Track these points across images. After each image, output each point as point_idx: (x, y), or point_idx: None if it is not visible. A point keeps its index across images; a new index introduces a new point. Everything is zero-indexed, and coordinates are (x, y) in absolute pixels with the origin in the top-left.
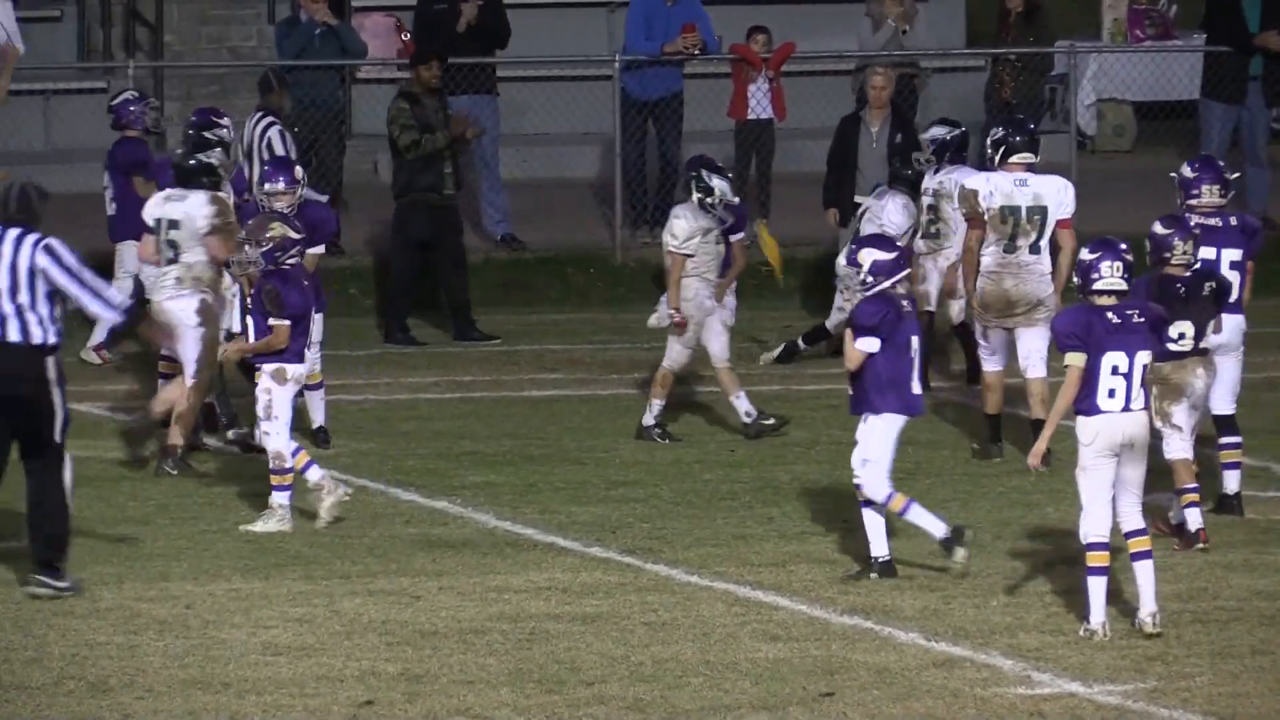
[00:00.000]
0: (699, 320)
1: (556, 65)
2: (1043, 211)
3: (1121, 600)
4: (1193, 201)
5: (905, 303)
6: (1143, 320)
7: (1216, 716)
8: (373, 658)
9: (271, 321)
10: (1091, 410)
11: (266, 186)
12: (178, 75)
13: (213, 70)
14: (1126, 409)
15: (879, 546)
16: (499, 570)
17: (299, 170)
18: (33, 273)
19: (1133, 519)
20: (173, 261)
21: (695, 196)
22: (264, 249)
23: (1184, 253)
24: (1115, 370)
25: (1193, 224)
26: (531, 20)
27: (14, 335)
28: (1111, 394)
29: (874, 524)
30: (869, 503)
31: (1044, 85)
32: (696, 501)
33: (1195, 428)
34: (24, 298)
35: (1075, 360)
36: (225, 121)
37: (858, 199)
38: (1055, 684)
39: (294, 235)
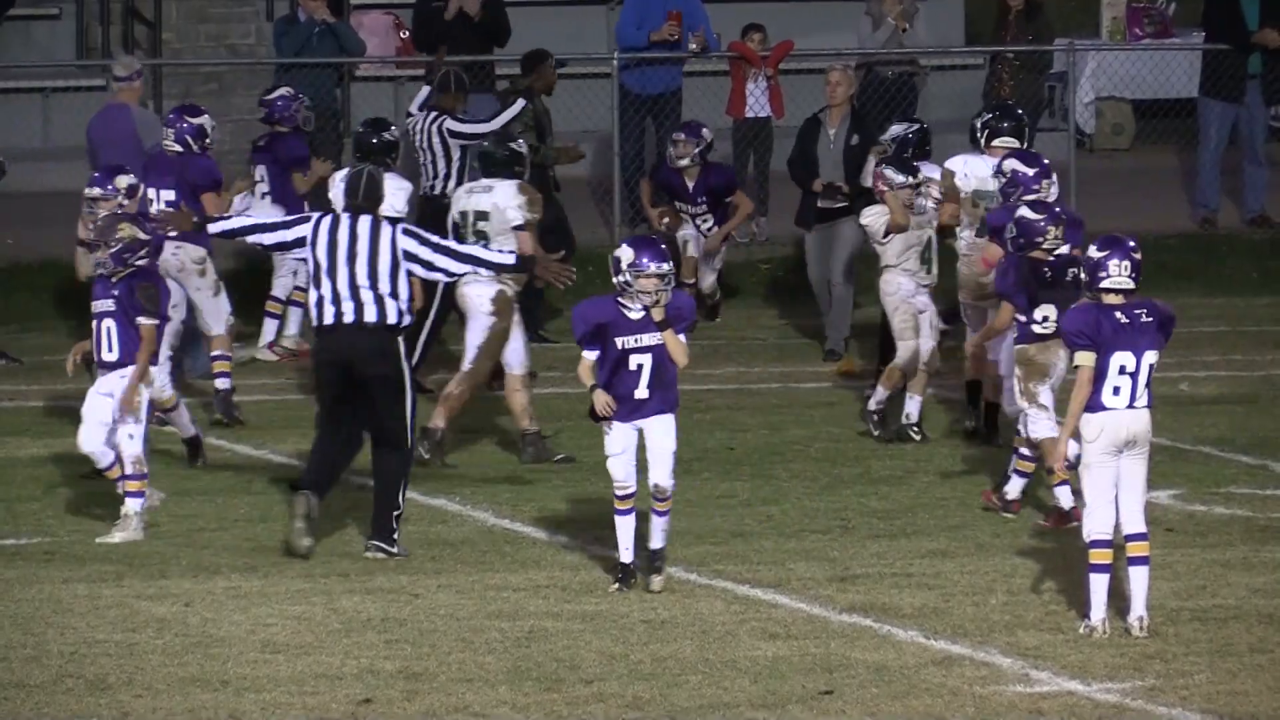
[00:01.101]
0: (914, 314)
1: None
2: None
3: (1121, 598)
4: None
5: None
6: (1151, 319)
7: (1215, 714)
8: (372, 655)
9: (141, 320)
10: (1096, 407)
11: (94, 191)
12: (176, 73)
13: (211, 68)
14: (1131, 406)
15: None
16: (498, 568)
17: (126, 179)
18: (396, 257)
19: (1135, 522)
20: None
21: None
22: (112, 250)
23: (1054, 238)
24: (1123, 369)
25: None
26: (530, 18)
27: (371, 316)
28: (1116, 391)
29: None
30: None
31: (1043, 83)
32: (695, 500)
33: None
34: (384, 283)
35: (1086, 360)
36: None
37: (822, 204)
38: (1054, 682)
39: (142, 236)
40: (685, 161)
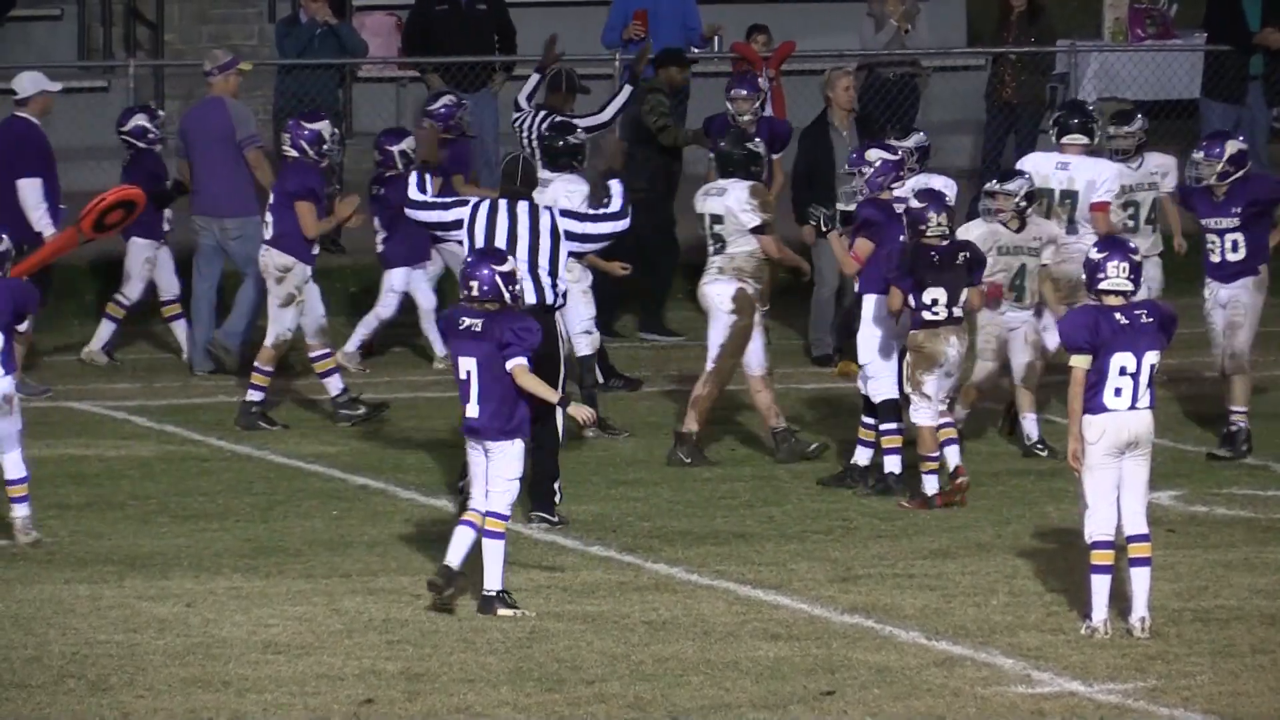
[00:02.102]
0: (998, 335)
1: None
2: (1074, 196)
3: (1123, 599)
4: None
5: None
6: (1152, 320)
7: (1217, 715)
8: (373, 656)
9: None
10: (1098, 409)
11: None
12: (178, 74)
13: None
14: (1132, 408)
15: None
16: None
17: None
18: (556, 239)
19: (1137, 523)
20: (718, 253)
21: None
22: None
23: (939, 224)
24: (1123, 370)
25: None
26: (531, 18)
27: (530, 298)
28: (1118, 393)
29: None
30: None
31: (1045, 84)
32: (697, 500)
33: (949, 393)
34: (544, 265)
35: (1079, 362)
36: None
37: (842, 208)
38: (1055, 683)
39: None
40: (748, 118)
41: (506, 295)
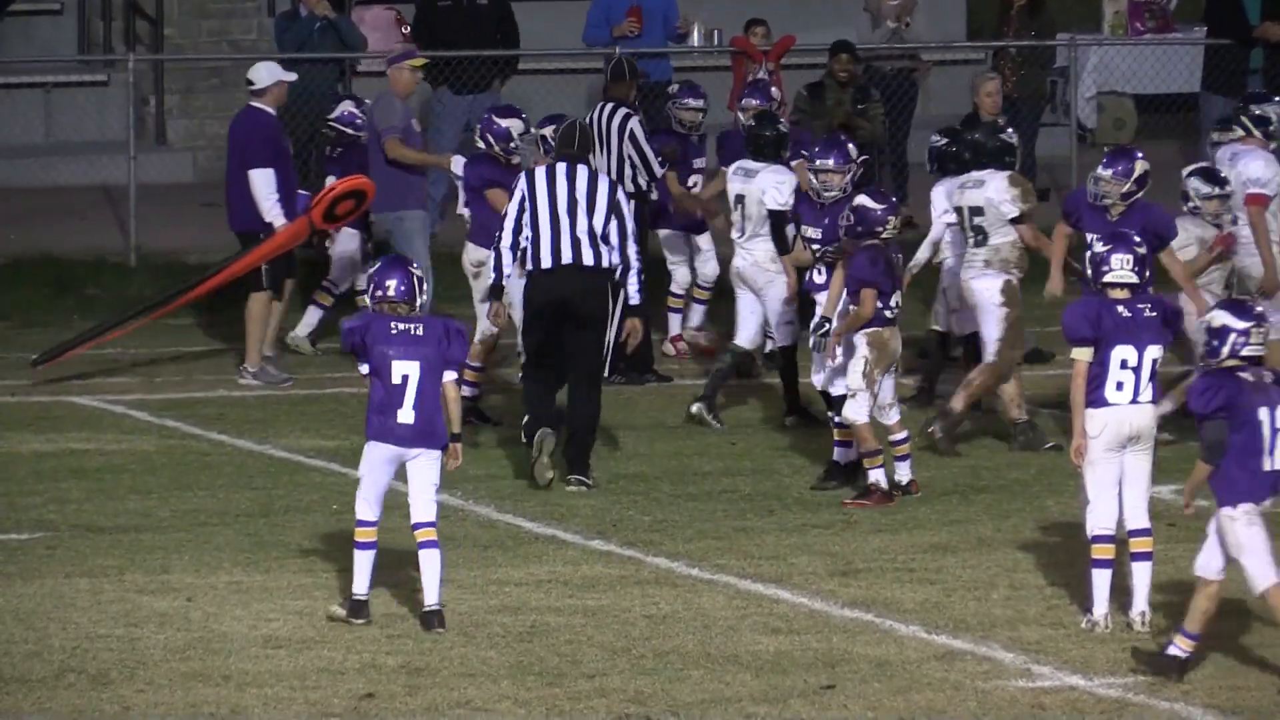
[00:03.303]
0: None
1: (554, 59)
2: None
3: (1123, 593)
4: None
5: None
6: (1155, 314)
7: (1216, 709)
8: (373, 650)
9: None
10: (1099, 402)
11: None
12: (177, 69)
13: (213, 64)
14: (1134, 402)
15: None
16: (500, 563)
17: None
18: (613, 205)
19: (1138, 517)
20: (980, 245)
21: None
22: None
23: (894, 227)
24: (1125, 364)
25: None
26: (529, 15)
27: (588, 259)
28: (1120, 387)
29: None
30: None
31: (1045, 78)
32: (697, 494)
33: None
34: (599, 228)
35: (1081, 355)
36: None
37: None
38: (1056, 677)
39: None
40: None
41: (418, 299)
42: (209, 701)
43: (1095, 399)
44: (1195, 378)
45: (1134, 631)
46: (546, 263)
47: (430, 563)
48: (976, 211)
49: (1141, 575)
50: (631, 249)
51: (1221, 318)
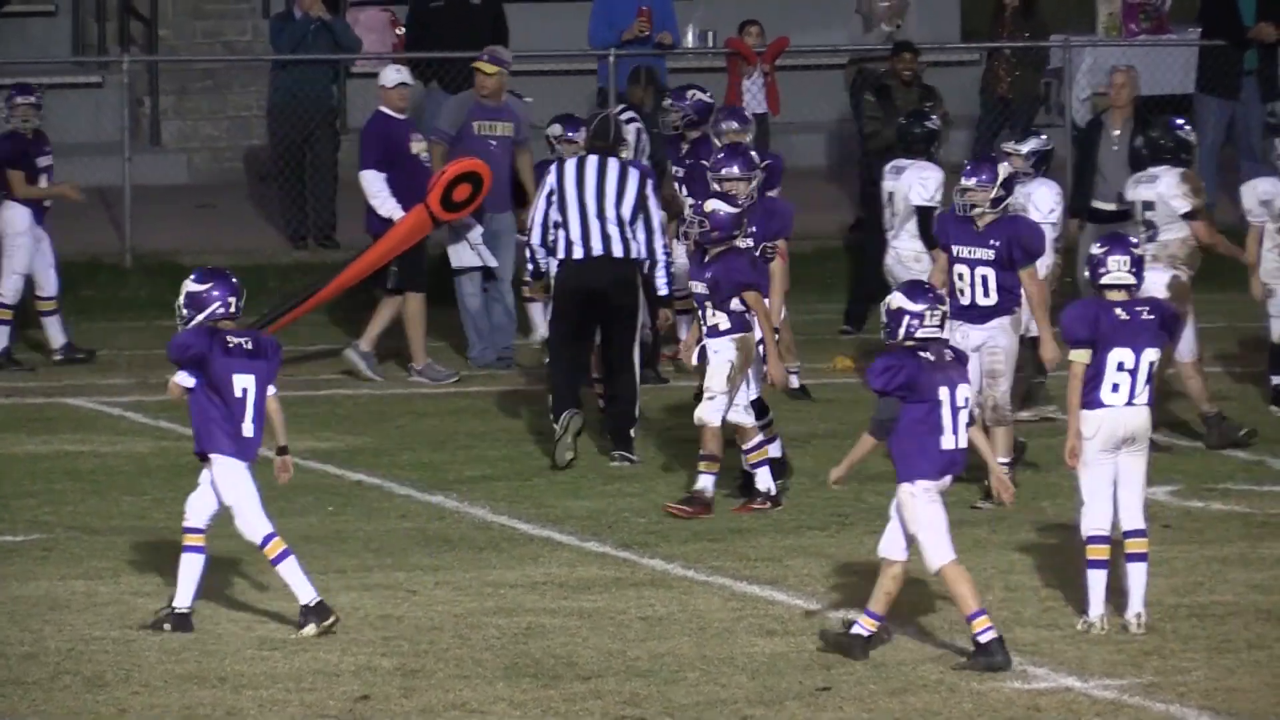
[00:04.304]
0: None
1: (548, 60)
2: None
3: (1119, 595)
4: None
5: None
6: (1153, 317)
7: (1212, 711)
8: (369, 652)
9: None
10: (1094, 404)
11: None
12: (172, 70)
13: (207, 65)
14: (1130, 404)
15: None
16: (495, 565)
17: None
18: (641, 197)
19: (1134, 518)
20: (1150, 240)
21: None
22: None
23: (745, 231)
24: (1121, 366)
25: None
26: (520, 15)
27: (618, 250)
28: (1115, 389)
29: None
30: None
31: (1039, 79)
32: None
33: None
34: (626, 216)
35: (1078, 356)
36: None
37: (1097, 204)
38: (1051, 678)
39: None
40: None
41: (239, 311)
42: (204, 703)
43: (1091, 400)
44: (876, 358)
45: (1130, 633)
46: (578, 254)
47: (291, 568)
48: (1148, 206)
49: (1137, 576)
50: (659, 242)
51: (898, 300)
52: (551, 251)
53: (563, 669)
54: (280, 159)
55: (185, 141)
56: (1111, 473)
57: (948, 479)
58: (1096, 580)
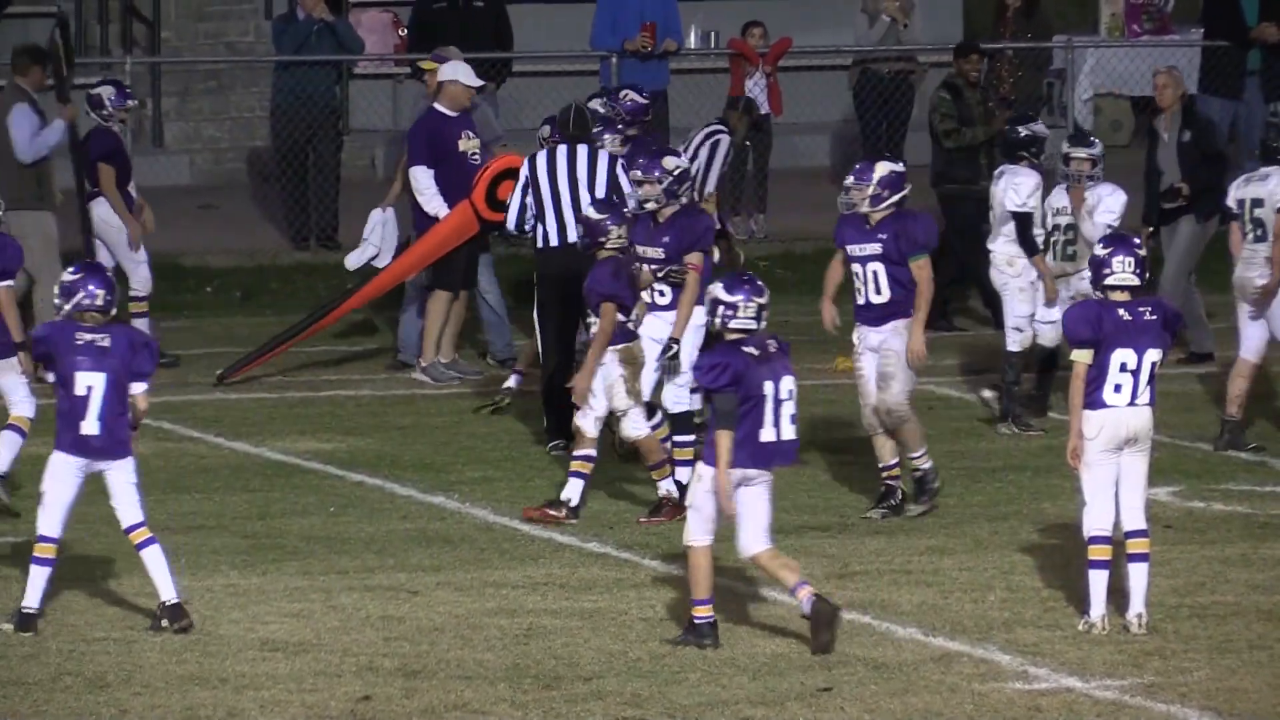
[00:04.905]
0: None
1: (550, 60)
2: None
3: (1120, 595)
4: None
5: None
6: (1155, 318)
7: (1214, 711)
8: (370, 653)
9: None
10: (1097, 404)
11: None
12: (174, 71)
13: (210, 66)
14: (1132, 404)
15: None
16: (496, 565)
17: None
18: (612, 183)
19: (1135, 519)
20: (1259, 240)
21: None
22: None
23: (618, 237)
24: (1124, 367)
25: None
26: (523, 17)
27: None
28: (1118, 389)
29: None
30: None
31: (1042, 80)
32: None
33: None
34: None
35: (1081, 356)
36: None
37: (1165, 205)
38: (1052, 679)
39: None
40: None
41: (114, 307)
42: (205, 704)
43: (1093, 401)
44: (703, 353)
45: (1131, 633)
46: (554, 241)
47: (155, 560)
48: (1257, 204)
49: (1138, 577)
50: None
51: (715, 291)
52: (531, 242)
53: (564, 670)
54: (283, 160)
55: (188, 143)
56: (1114, 473)
57: (768, 470)
58: (1098, 581)
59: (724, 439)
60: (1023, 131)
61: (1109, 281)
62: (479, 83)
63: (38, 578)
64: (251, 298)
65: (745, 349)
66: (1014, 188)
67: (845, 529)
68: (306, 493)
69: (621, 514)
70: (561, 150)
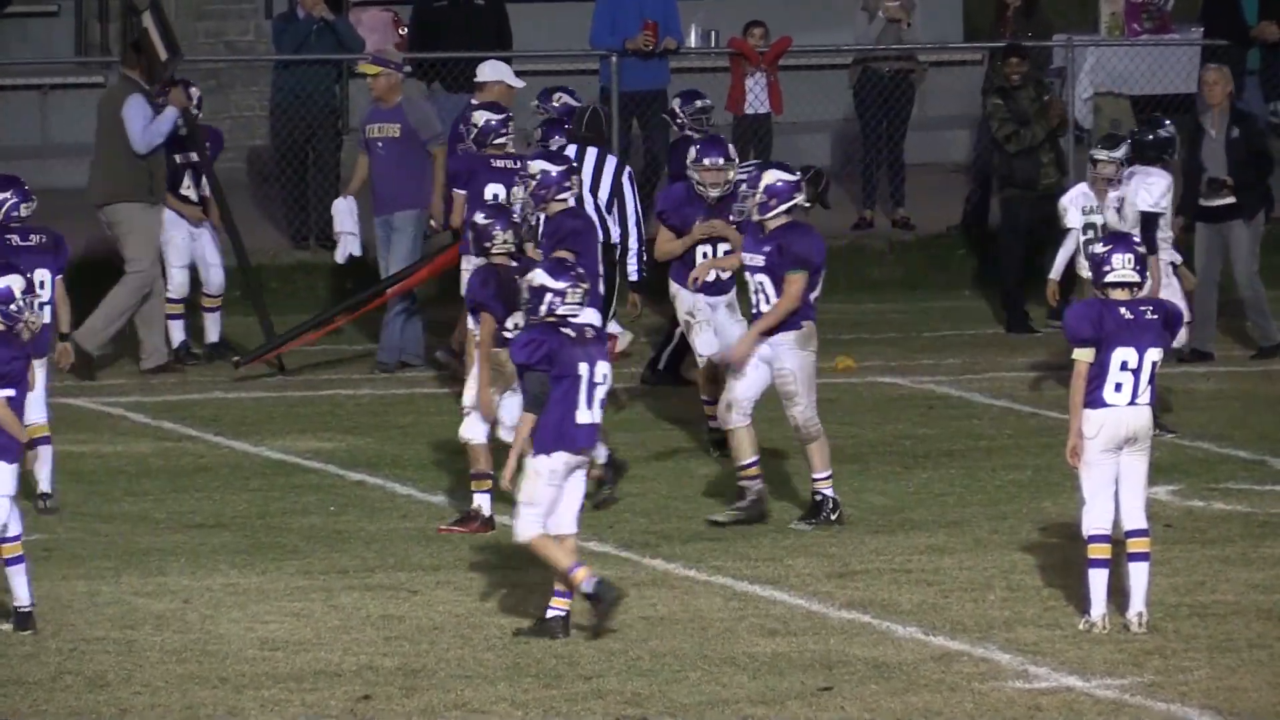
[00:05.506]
0: None
1: (550, 60)
2: None
3: (1120, 594)
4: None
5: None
6: (1156, 317)
7: (1214, 710)
8: (370, 652)
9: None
10: (1097, 403)
11: None
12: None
13: (209, 65)
14: (1132, 403)
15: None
16: (496, 565)
17: None
18: (616, 185)
19: (1135, 518)
20: None
21: None
22: None
23: (504, 242)
24: (1124, 366)
25: None
26: (523, 16)
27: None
28: (1118, 388)
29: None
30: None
31: (1042, 79)
32: (693, 496)
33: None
34: (603, 203)
35: (1083, 355)
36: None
37: (1204, 203)
38: (1053, 678)
39: None
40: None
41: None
42: (206, 703)
43: (1093, 400)
44: (519, 332)
45: (1131, 633)
46: None
47: (18, 573)
48: None
49: (1139, 576)
50: (631, 229)
51: (540, 278)
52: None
53: (564, 668)
54: (282, 159)
55: None
56: (1113, 472)
57: (582, 453)
58: (1098, 580)
59: (527, 421)
60: (1151, 136)
61: (1109, 279)
62: (522, 84)
63: (19, 575)
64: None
65: (563, 330)
66: (1146, 188)
67: (845, 527)
68: (306, 492)
69: (621, 514)
70: (571, 151)
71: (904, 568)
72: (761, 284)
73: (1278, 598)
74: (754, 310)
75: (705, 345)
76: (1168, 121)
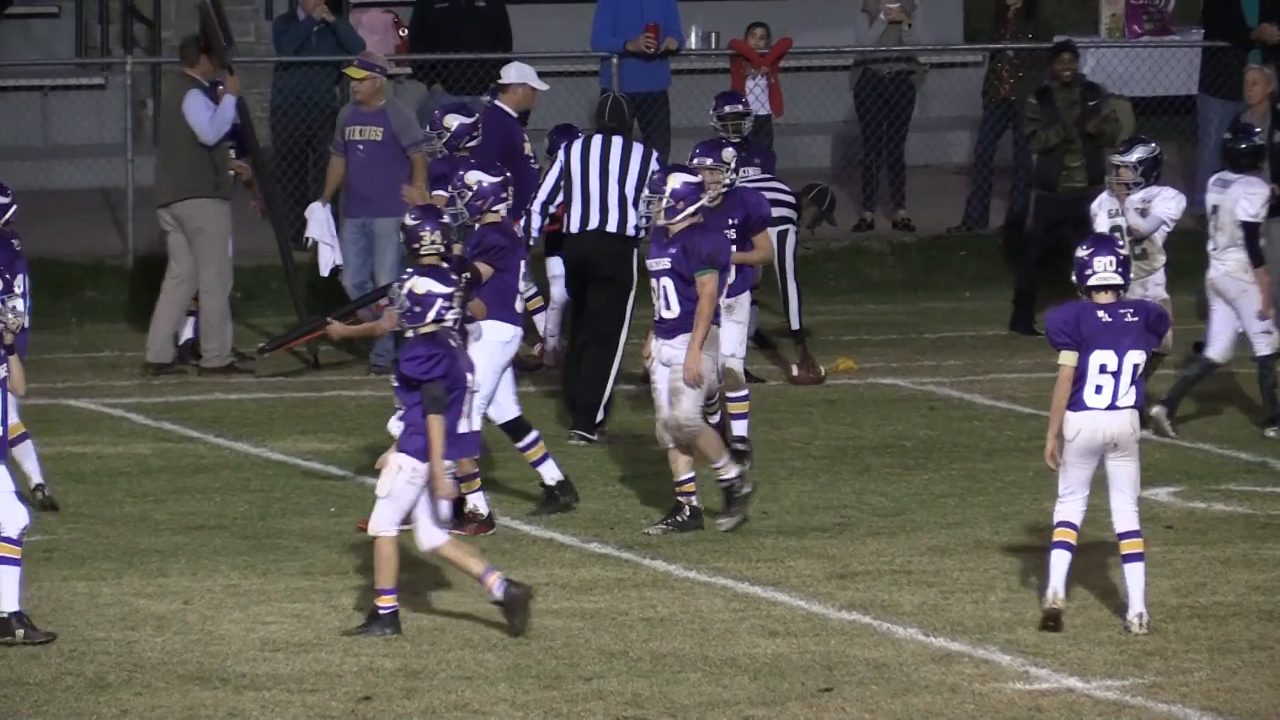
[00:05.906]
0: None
1: (551, 61)
2: None
3: (1121, 596)
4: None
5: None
6: (1137, 319)
7: (1214, 711)
8: (371, 653)
9: None
10: (1077, 406)
11: None
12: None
13: None
14: (1112, 407)
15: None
16: (497, 566)
17: None
18: (644, 175)
19: (1126, 520)
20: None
21: None
22: None
23: (432, 242)
24: (1104, 369)
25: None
26: (525, 17)
27: (612, 225)
28: (1098, 390)
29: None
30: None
31: (1043, 81)
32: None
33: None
34: (630, 196)
35: (1066, 359)
36: None
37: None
38: (1053, 679)
39: None
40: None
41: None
42: (206, 704)
43: (1073, 402)
44: (412, 344)
45: (1131, 634)
46: (575, 227)
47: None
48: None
49: (1135, 577)
50: None
51: (425, 284)
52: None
53: (565, 670)
54: (282, 160)
55: None
56: (1089, 474)
57: (459, 459)
58: (1058, 562)
59: (437, 425)
60: (1245, 145)
61: (1091, 282)
62: (546, 86)
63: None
64: (252, 298)
65: (450, 341)
66: (1248, 198)
67: (846, 529)
68: (307, 493)
69: (622, 515)
70: (596, 140)
71: (904, 569)
72: (665, 288)
73: (1278, 599)
74: (656, 316)
75: None
76: (1258, 130)
